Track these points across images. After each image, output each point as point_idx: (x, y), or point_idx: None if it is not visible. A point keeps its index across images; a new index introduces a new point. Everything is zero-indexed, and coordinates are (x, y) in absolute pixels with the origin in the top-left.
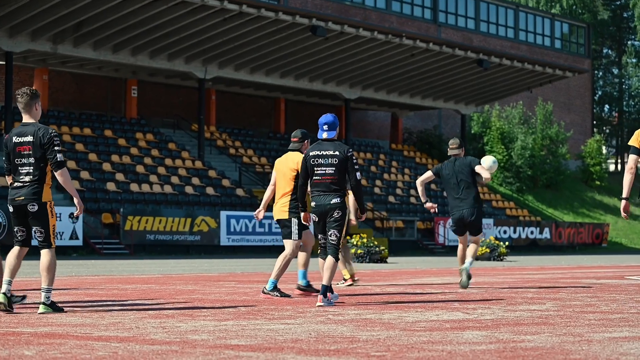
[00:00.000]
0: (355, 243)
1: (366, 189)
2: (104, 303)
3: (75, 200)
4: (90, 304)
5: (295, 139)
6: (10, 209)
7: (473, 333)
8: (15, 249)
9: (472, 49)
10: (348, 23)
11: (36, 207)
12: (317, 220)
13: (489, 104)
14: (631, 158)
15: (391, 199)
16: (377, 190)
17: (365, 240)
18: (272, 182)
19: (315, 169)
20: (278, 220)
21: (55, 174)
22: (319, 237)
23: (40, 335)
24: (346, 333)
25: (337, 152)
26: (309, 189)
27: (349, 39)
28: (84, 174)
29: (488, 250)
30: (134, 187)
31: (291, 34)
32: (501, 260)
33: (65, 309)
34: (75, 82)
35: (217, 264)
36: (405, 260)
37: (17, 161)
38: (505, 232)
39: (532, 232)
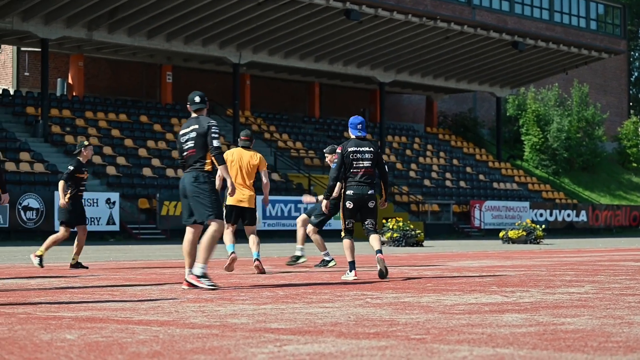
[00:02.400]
0: (391, 227)
1: (401, 173)
2: (143, 287)
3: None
4: (129, 288)
5: (246, 138)
6: None
7: (512, 316)
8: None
9: (507, 31)
10: (382, 6)
11: None
12: (351, 207)
13: (524, 86)
14: None
15: (426, 182)
16: (412, 174)
17: (401, 224)
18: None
19: (354, 162)
20: (240, 208)
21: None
22: (347, 221)
23: (81, 319)
24: (385, 316)
25: (372, 149)
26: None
27: (383, 22)
28: (120, 160)
29: (524, 233)
30: (169, 172)
31: (325, 18)
32: (538, 243)
33: (104, 293)
34: (110, 69)
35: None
36: (441, 244)
37: None
38: (541, 215)
39: (568, 215)
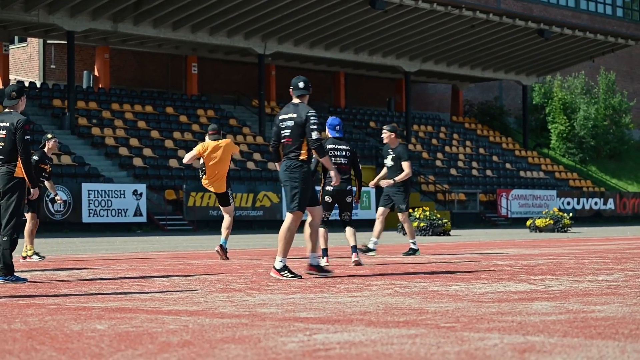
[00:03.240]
0: (418, 216)
1: (427, 162)
2: (171, 278)
3: None
4: (157, 279)
5: (214, 132)
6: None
7: (542, 304)
8: None
9: (533, 19)
10: None
11: None
12: (330, 201)
13: (550, 74)
14: None
15: (453, 171)
16: (438, 163)
17: (427, 213)
18: (193, 154)
19: (332, 159)
20: (221, 193)
21: None
22: (324, 213)
23: (111, 309)
24: (414, 305)
25: (348, 147)
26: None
27: (408, 12)
28: (147, 151)
29: (552, 221)
30: (196, 163)
31: (350, 8)
32: (565, 231)
33: (133, 284)
34: (136, 60)
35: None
36: (468, 233)
37: None
38: (568, 203)
39: (595, 203)
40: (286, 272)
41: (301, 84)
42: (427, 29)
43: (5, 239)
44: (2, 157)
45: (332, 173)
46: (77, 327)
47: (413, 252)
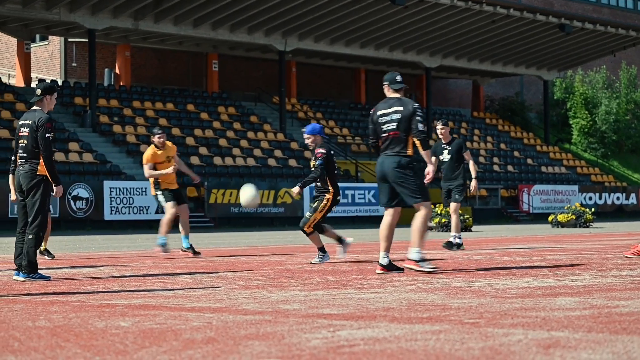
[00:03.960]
0: (439, 212)
1: None
2: (194, 275)
3: None
4: (179, 276)
5: (161, 135)
6: None
7: (566, 299)
8: None
9: (554, 14)
10: None
11: None
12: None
13: (571, 69)
14: None
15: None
16: None
17: (449, 209)
18: (151, 166)
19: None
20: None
21: None
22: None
23: (135, 307)
24: (437, 301)
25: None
26: None
27: (429, 7)
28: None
29: (574, 217)
30: (217, 160)
31: (370, 4)
32: (587, 226)
33: (156, 281)
34: (157, 58)
35: (301, 236)
36: (490, 229)
37: None
38: (590, 198)
39: (618, 198)
40: (425, 263)
41: (398, 78)
42: (447, 24)
43: (30, 237)
44: (25, 155)
45: (430, 168)
46: (101, 324)
47: (458, 246)
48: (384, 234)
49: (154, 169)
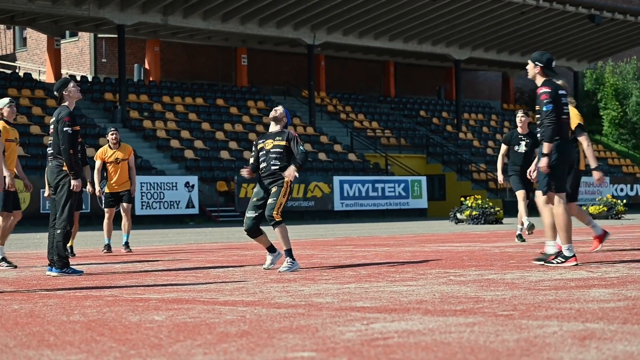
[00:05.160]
0: (470, 205)
1: (479, 150)
2: (226, 269)
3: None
4: (211, 270)
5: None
6: None
7: (599, 291)
8: None
9: (583, 5)
10: None
11: None
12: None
13: (602, 59)
14: None
15: (505, 159)
16: (489, 151)
17: (479, 201)
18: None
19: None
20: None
21: None
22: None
23: (168, 301)
24: (470, 293)
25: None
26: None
27: None
28: (198, 143)
29: (605, 208)
30: (247, 154)
31: None
32: (619, 218)
33: (188, 275)
34: (186, 53)
35: (332, 229)
36: None
37: None
38: (622, 189)
39: None
40: (559, 258)
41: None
42: (476, 16)
43: (58, 231)
44: (52, 151)
45: (541, 162)
46: (135, 318)
47: (522, 239)
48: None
49: (104, 168)
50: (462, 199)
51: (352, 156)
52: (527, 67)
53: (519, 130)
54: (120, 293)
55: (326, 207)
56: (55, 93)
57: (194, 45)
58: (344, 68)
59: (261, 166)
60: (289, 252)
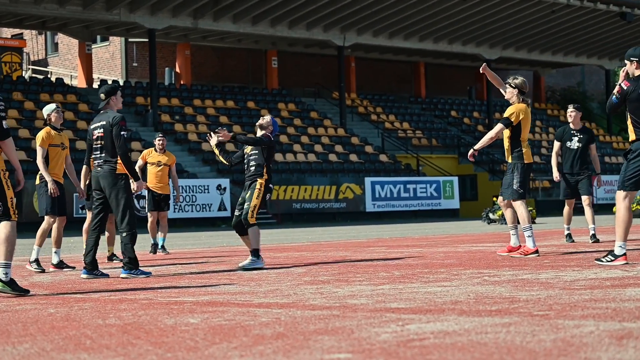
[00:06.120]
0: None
1: None
2: (259, 271)
3: (18, 175)
4: (245, 272)
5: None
6: None
7: (635, 290)
8: None
9: (614, 2)
10: None
11: None
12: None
13: None
14: None
15: (536, 159)
16: None
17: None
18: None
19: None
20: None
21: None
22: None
23: (202, 303)
24: (505, 294)
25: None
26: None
27: None
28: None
29: (639, 207)
30: (278, 156)
31: None
32: None
33: (222, 278)
34: (216, 56)
35: (364, 230)
36: (553, 220)
37: None
38: None
39: None
40: (609, 256)
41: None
42: (506, 15)
43: (124, 234)
44: (102, 155)
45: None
46: (171, 321)
47: (595, 239)
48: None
49: (144, 168)
50: (494, 198)
51: (383, 157)
52: (625, 67)
53: (571, 125)
54: (155, 296)
55: (358, 209)
56: (101, 95)
57: (224, 48)
58: (374, 69)
59: (245, 168)
60: (255, 252)
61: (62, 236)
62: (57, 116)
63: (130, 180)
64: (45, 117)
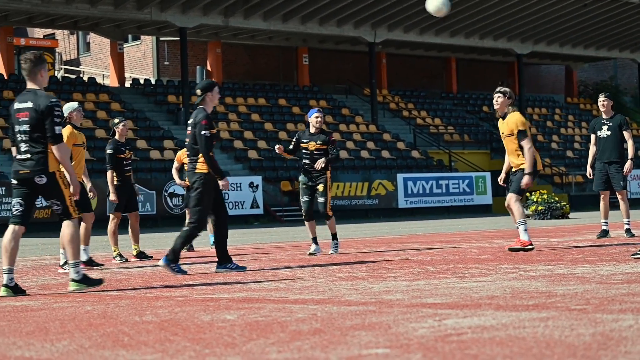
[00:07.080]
0: (535, 200)
1: (543, 145)
2: (293, 268)
3: (69, 178)
4: (279, 269)
5: None
6: (14, 182)
7: None
8: (11, 228)
9: None
10: None
11: (44, 179)
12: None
13: None
14: None
15: (569, 153)
16: (554, 145)
17: (545, 196)
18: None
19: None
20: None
21: (52, 148)
22: None
23: (238, 300)
24: (541, 288)
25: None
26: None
27: None
28: (261, 144)
29: None
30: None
31: None
32: None
33: (256, 275)
34: (247, 54)
35: (397, 227)
36: (587, 215)
37: (17, 129)
38: None
39: None
40: None
41: None
42: (538, 9)
43: (186, 229)
44: (188, 152)
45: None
46: (207, 318)
47: (630, 233)
48: None
49: (181, 169)
50: (528, 194)
51: (415, 153)
52: None
53: (603, 115)
54: (191, 293)
55: (390, 205)
56: (197, 92)
57: (255, 45)
58: (406, 65)
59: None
60: (334, 236)
61: (90, 234)
62: (78, 115)
63: (217, 179)
64: (66, 115)
